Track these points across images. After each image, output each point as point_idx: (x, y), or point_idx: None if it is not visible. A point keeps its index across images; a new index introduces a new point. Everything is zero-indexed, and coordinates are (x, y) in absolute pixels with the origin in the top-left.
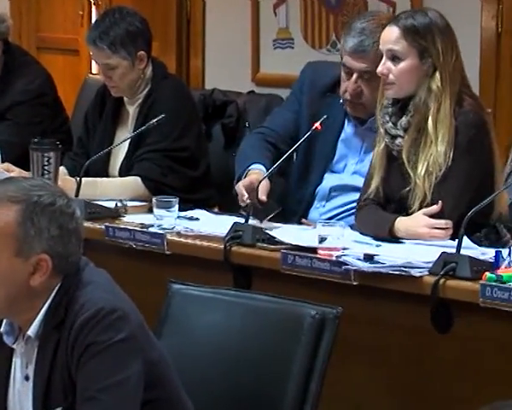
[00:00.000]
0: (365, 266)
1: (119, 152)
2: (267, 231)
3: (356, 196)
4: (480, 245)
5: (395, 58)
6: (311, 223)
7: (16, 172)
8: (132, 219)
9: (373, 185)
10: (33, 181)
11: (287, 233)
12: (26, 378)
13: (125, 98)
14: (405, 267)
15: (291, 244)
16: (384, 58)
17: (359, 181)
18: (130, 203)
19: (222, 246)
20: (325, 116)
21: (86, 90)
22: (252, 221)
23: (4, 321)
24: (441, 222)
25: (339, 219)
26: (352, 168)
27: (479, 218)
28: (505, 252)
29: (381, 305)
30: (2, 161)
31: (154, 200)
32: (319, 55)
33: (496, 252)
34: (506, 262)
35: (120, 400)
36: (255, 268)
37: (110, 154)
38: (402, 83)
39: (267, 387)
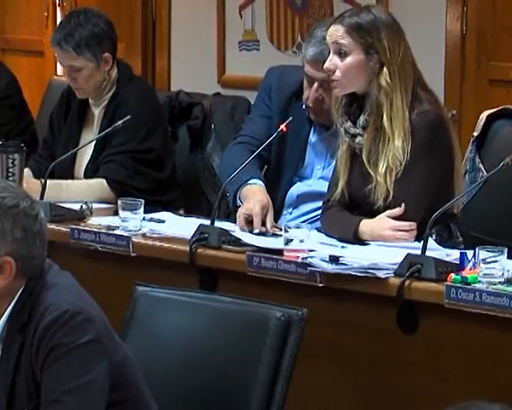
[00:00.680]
0: (331, 268)
1: (85, 154)
2: (233, 233)
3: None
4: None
5: (341, 53)
6: (280, 227)
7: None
8: (98, 222)
9: (339, 188)
10: None
11: (252, 236)
12: None
13: (91, 100)
14: (371, 269)
15: (257, 246)
16: (331, 54)
17: (326, 187)
18: (95, 205)
19: (187, 248)
20: (290, 118)
21: (51, 91)
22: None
23: None
24: (405, 224)
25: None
26: (318, 174)
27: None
28: (470, 253)
29: (346, 306)
30: None
31: (119, 202)
32: (285, 57)
33: (461, 253)
34: (471, 264)
35: (85, 402)
36: (221, 270)
37: (75, 156)
38: (348, 79)
39: (233, 389)
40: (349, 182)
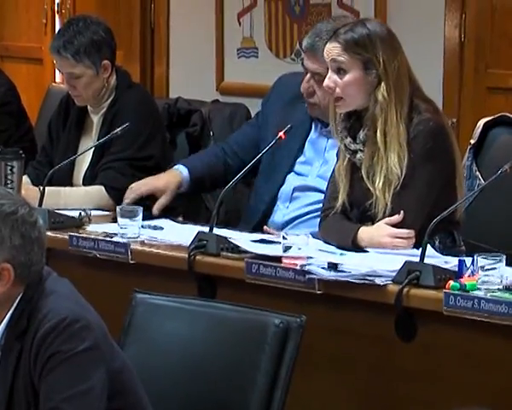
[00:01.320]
0: (329, 275)
1: (83, 161)
2: (231, 241)
3: (319, 196)
4: (434, 249)
5: (340, 70)
6: (274, 231)
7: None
8: (96, 229)
9: (339, 200)
10: None
11: (251, 243)
12: None
13: (89, 107)
14: (369, 276)
15: (255, 253)
16: (330, 72)
17: (323, 184)
18: (93, 212)
19: (186, 255)
20: (289, 125)
21: (50, 99)
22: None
23: None
24: (403, 232)
25: (302, 221)
26: (316, 171)
27: (439, 223)
28: (468, 261)
29: (345, 314)
30: None
31: (117, 209)
32: (283, 64)
33: (459, 261)
34: (469, 271)
35: (84, 409)
36: (219, 277)
37: (74, 163)
38: (349, 96)
39: (232, 396)
40: (350, 196)
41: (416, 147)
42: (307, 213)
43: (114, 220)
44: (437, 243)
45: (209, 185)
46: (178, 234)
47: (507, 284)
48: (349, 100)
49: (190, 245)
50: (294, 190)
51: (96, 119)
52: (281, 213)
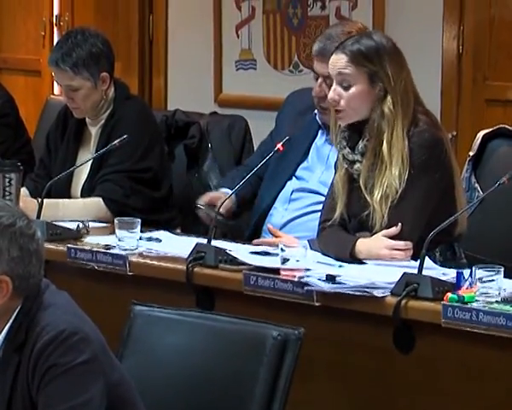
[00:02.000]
0: (327, 287)
1: (82, 173)
2: (230, 253)
3: (318, 198)
4: (434, 262)
5: (345, 82)
6: (268, 240)
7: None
8: (94, 241)
9: (337, 212)
10: None
11: (249, 255)
12: None
13: (88, 119)
14: (367, 288)
15: (254, 265)
16: (334, 84)
17: (323, 189)
18: (92, 224)
19: (184, 267)
20: (287, 137)
21: (48, 111)
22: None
23: None
24: (401, 243)
25: (300, 223)
26: (317, 177)
27: (439, 235)
28: (466, 272)
29: (343, 326)
30: None
31: (116, 221)
32: (281, 76)
33: (457, 273)
34: (467, 283)
35: None
36: (218, 289)
37: (72, 175)
38: (353, 109)
39: (230, 408)
40: (347, 206)
41: (413, 159)
42: (306, 214)
43: (113, 232)
44: (437, 255)
45: (241, 207)
46: (176, 246)
47: (505, 296)
48: (351, 112)
49: (188, 257)
50: (293, 192)
51: (94, 131)
52: (279, 214)
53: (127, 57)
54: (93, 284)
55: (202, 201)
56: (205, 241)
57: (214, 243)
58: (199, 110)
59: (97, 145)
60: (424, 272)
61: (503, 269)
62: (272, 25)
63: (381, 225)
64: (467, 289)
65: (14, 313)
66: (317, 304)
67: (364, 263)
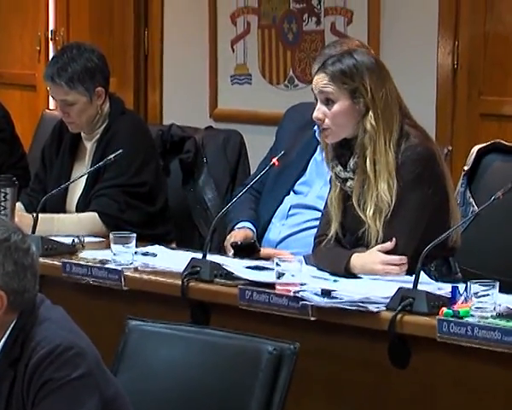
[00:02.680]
0: (323, 302)
1: (77, 188)
2: (225, 267)
3: (315, 214)
4: (429, 276)
5: (329, 101)
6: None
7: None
8: (89, 255)
9: (332, 230)
10: None
11: (244, 269)
12: None
13: (83, 134)
14: (363, 303)
15: (249, 280)
16: (318, 103)
17: (321, 204)
18: (87, 239)
19: (179, 282)
20: (282, 152)
21: (44, 125)
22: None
23: None
24: (395, 258)
25: (297, 239)
26: (316, 192)
27: (433, 248)
28: (462, 287)
29: (338, 340)
30: None
31: (111, 236)
32: (277, 90)
33: (452, 287)
34: (462, 298)
35: None
36: (213, 304)
37: (67, 189)
38: (338, 126)
39: None
40: (343, 224)
41: (405, 173)
42: (303, 230)
43: (108, 247)
44: (432, 270)
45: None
46: (172, 260)
47: (500, 311)
48: (337, 130)
49: (184, 272)
50: (291, 207)
51: (89, 145)
52: (276, 230)
53: (122, 72)
54: (88, 298)
55: (237, 239)
56: (200, 255)
57: (209, 257)
58: (194, 125)
59: (92, 160)
60: (419, 287)
61: (498, 284)
62: (267, 39)
63: (377, 240)
64: (462, 303)
65: (9, 328)
66: (312, 319)
67: (360, 278)
